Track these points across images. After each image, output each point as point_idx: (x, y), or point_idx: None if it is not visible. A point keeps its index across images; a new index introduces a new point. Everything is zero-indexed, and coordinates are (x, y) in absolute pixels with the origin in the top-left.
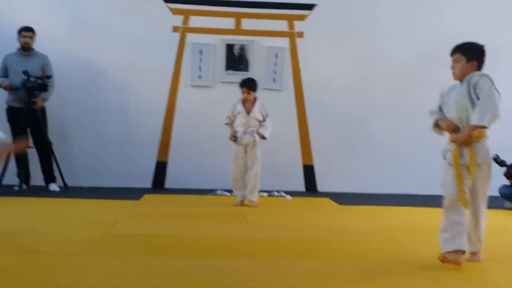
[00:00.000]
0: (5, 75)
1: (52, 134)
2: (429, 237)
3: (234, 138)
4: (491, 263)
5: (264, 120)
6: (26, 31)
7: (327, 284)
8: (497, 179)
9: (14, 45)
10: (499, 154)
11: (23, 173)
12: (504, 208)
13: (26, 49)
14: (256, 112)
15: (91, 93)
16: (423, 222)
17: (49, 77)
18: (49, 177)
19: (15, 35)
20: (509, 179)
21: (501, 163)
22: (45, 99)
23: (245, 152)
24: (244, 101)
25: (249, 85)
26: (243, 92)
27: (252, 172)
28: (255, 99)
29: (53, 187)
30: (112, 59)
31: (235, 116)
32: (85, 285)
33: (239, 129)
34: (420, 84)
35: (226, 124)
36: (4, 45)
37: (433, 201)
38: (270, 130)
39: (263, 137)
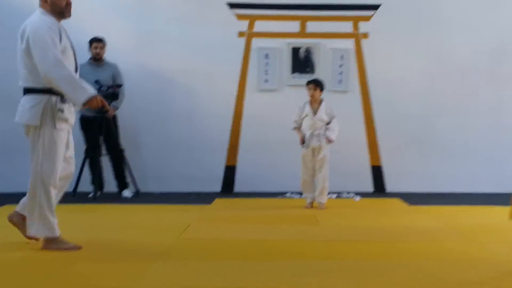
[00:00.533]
0: None
1: (124, 141)
2: (506, 236)
3: (302, 141)
4: None
5: (330, 122)
6: (97, 42)
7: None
8: None
9: (84, 55)
10: None
11: (97, 180)
12: None
13: (97, 59)
14: (323, 113)
15: (160, 101)
16: (497, 220)
17: (119, 85)
18: (122, 184)
19: (85, 46)
20: None
21: None
22: (116, 108)
23: (313, 155)
24: (311, 102)
25: (315, 81)
26: (309, 89)
27: (320, 175)
28: (321, 101)
29: (126, 193)
30: (179, 66)
31: (302, 120)
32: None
33: (306, 132)
34: (490, 81)
35: (294, 128)
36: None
37: (503, 199)
38: (337, 132)
39: (330, 141)
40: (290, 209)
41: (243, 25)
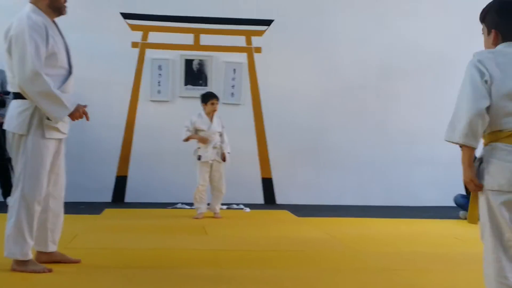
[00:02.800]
0: None
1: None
2: (384, 246)
3: (199, 156)
4: (443, 267)
5: (222, 133)
6: None
7: None
8: (452, 188)
9: None
10: None
11: None
12: (459, 218)
13: None
14: (218, 125)
15: None
16: (379, 231)
17: (7, 93)
18: (7, 191)
19: None
20: None
21: None
22: (3, 115)
23: (211, 166)
24: (209, 115)
25: (216, 96)
26: (211, 104)
27: (219, 184)
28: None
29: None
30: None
31: (196, 130)
32: None
33: (203, 147)
34: (377, 96)
35: (186, 139)
36: None
37: (389, 212)
38: (228, 143)
39: (226, 154)
40: (179, 219)
41: (138, 35)
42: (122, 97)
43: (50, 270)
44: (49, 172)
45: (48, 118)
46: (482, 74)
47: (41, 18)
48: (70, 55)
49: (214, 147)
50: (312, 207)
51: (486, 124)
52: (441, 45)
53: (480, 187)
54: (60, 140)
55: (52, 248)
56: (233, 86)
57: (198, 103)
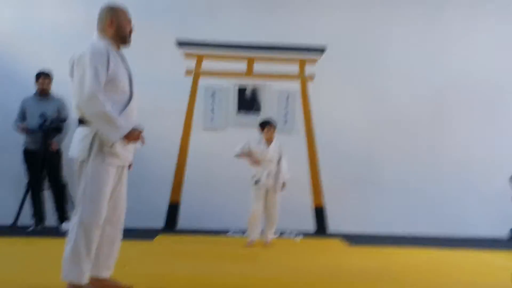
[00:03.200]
0: (23, 119)
1: (69, 175)
2: (436, 278)
3: (256, 181)
4: None
5: (280, 160)
6: (44, 77)
7: None
8: (505, 219)
9: (31, 87)
10: None
11: (38, 213)
12: None
13: (43, 94)
14: (274, 152)
15: None
16: (430, 263)
17: (63, 120)
18: (62, 217)
19: (32, 78)
20: None
21: None
22: (59, 142)
23: (266, 192)
24: (267, 141)
25: (274, 123)
26: (268, 131)
27: (272, 211)
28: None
29: (65, 226)
30: None
31: (249, 152)
32: None
33: (261, 172)
34: (429, 125)
35: (238, 155)
36: (23, 89)
37: (440, 241)
38: (287, 170)
39: (284, 182)
40: (231, 247)
41: (191, 63)
42: (175, 124)
43: None
44: (109, 198)
45: (106, 143)
46: None
47: (104, 45)
48: (133, 83)
49: (269, 174)
50: (364, 236)
51: None
52: (494, 76)
53: None
54: (122, 167)
55: (105, 273)
56: (286, 114)
57: (251, 131)
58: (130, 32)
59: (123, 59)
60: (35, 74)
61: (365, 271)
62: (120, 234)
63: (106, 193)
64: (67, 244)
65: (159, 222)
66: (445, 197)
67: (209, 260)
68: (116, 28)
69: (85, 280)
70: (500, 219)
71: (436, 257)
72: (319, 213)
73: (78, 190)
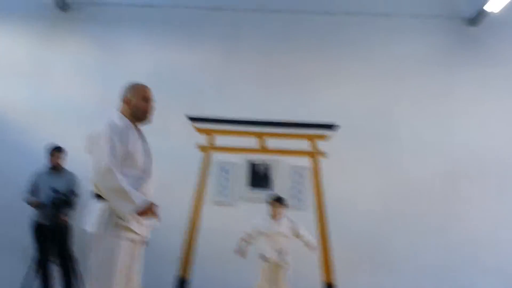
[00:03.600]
0: (34, 192)
1: (79, 249)
2: None
3: (262, 256)
4: None
5: (298, 234)
6: (57, 152)
7: None
8: None
9: (41, 161)
10: None
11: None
12: None
13: (56, 168)
14: (284, 227)
15: None
16: None
17: (74, 193)
18: None
19: (43, 152)
20: None
21: None
22: (69, 216)
23: (274, 269)
24: (274, 218)
25: (280, 200)
26: (274, 206)
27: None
28: (283, 216)
29: None
30: None
31: (259, 234)
32: None
33: (267, 247)
34: (444, 202)
35: (242, 239)
36: (33, 163)
37: None
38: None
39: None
40: None
41: (202, 137)
42: (186, 199)
43: None
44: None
45: (121, 218)
46: None
47: (123, 122)
48: (152, 160)
49: (276, 250)
50: None
51: None
52: (506, 150)
53: None
54: (137, 243)
55: None
56: (297, 190)
57: (262, 206)
58: (149, 110)
59: (141, 136)
60: (46, 148)
61: None
62: None
63: (118, 267)
64: None
65: None
66: (456, 274)
67: None
68: (133, 106)
69: None
70: None
71: None
72: None
73: (90, 266)
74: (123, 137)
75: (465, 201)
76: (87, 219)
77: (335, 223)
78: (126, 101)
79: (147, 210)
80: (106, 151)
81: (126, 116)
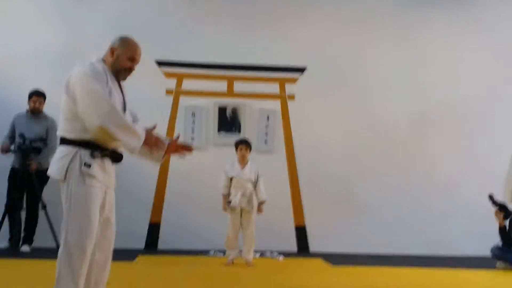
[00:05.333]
0: (11, 137)
1: (51, 196)
2: None
3: (229, 202)
4: None
5: (257, 182)
6: (36, 96)
7: None
8: (490, 239)
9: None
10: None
11: (15, 234)
12: (496, 268)
13: (35, 112)
14: (251, 173)
15: None
16: (416, 282)
17: (43, 140)
18: (28, 238)
19: (25, 98)
20: (505, 218)
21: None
22: (40, 163)
23: (241, 213)
24: (240, 162)
25: (247, 142)
26: (240, 150)
27: (248, 231)
28: (248, 161)
29: (25, 248)
30: None
31: (230, 181)
32: None
33: (235, 192)
34: (412, 144)
35: (223, 195)
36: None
37: (424, 261)
38: (264, 191)
39: (262, 202)
40: (213, 267)
41: (172, 82)
42: None
43: None
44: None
45: (86, 165)
46: None
47: (102, 68)
48: (126, 113)
49: (244, 195)
50: (346, 256)
51: None
52: (475, 97)
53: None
54: (105, 189)
55: None
56: (266, 134)
57: (231, 150)
58: (128, 71)
59: (120, 88)
60: (25, 95)
61: None
62: (110, 260)
63: (92, 215)
64: (57, 273)
65: (140, 243)
66: (426, 216)
67: (190, 281)
68: (115, 59)
69: None
70: (482, 238)
71: (420, 276)
72: (301, 233)
73: (64, 213)
74: (104, 80)
75: (434, 144)
76: (51, 164)
77: (305, 166)
78: (112, 51)
79: (151, 140)
80: (101, 92)
81: (106, 65)
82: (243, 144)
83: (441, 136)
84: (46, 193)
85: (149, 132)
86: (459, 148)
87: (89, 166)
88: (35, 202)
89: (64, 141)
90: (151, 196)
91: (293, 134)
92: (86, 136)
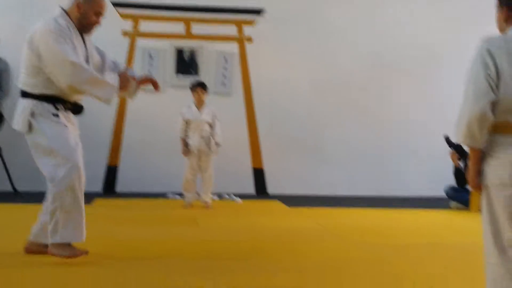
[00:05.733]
0: None
1: (5, 139)
2: (377, 237)
3: (187, 145)
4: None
5: (214, 123)
6: None
7: (272, 281)
8: (443, 179)
9: None
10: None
11: None
12: (450, 208)
13: None
14: (208, 115)
15: None
16: (372, 222)
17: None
18: None
19: None
20: (460, 159)
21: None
22: None
23: (199, 156)
24: (197, 105)
25: (203, 85)
26: (196, 92)
27: (206, 174)
28: (204, 103)
29: None
30: None
31: (187, 124)
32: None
33: (192, 135)
34: (370, 87)
35: (181, 138)
36: None
37: (378, 202)
38: (220, 134)
39: (217, 144)
40: (171, 210)
41: (128, 24)
42: None
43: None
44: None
45: (54, 115)
46: (486, 67)
47: (65, 22)
48: (89, 64)
49: (202, 137)
50: (303, 198)
51: (488, 124)
52: (435, 37)
53: (479, 188)
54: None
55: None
56: (224, 76)
57: (189, 92)
58: (95, 26)
59: (84, 40)
60: None
61: (306, 230)
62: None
63: (72, 139)
64: (52, 208)
65: (97, 186)
66: (384, 158)
67: (148, 223)
68: (82, 14)
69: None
70: (438, 179)
71: (377, 216)
72: (259, 175)
73: (38, 160)
74: (67, 36)
75: (394, 88)
76: (17, 118)
77: (263, 109)
78: (78, 5)
79: (125, 82)
80: (65, 49)
81: (71, 19)
82: (199, 87)
83: (398, 79)
84: (1, 137)
85: (122, 76)
86: (415, 90)
87: (57, 115)
88: None
89: (26, 94)
90: (108, 139)
91: (251, 76)
92: (49, 91)
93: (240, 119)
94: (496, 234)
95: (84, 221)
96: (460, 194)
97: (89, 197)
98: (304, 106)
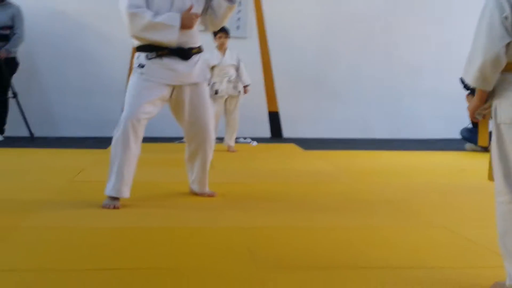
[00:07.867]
0: None
1: (21, 84)
2: (394, 178)
3: (215, 91)
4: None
5: (239, 66)
6: None
7: (284, 221)
8: (458, 121)
9: None
10: None
11: None
12: (465, 150)
13: None
14: (231, 58)
15: (60, 44)
16: (386, 164)
17: (10, 27)
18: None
19: None
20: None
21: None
22: (9, 51)
23: (226, 100)
24: (220, 50)
25: (225, 30)
26: (219, 38)
27: (232, 117)
28: (226, 47)
29: None
30: (86, 8)
31: (212, 70)
32: (52, 228)
33: (219, 80)
34: (383, 28)
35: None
36: None
37: (394, 144)
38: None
39: (246, 86)
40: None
41: None
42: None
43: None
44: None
45: (140, 66)
46: (501, 8)
47: None
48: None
49: (229, 81)
50: (318, 140)
51: (502, 67)
52: None
53: (476, 121)
54: (176, 86)
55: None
56: (239, 19)
57: (205, 37)
58: None
59: None
60: None
61: (320, 173)
62: (207, 151)
63: (146, 97)
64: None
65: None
66: (400, 99)
67: (165, 166)
68: None
69: (126, 194)
70: (453, 121)
71: (391, 159)
72: (274, 118)
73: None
74: None
75: (406, 31)
76: (195, 71)
77: (278, 52)
78: None
79: (189, 20)
80: (124, 6)
81: None
82: (222, 32)
83: (412, 19)
84: (18, 82)
85: (185, 14)
86: (429, 31)
87: (142, 66)
88: (4, 90)
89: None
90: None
91: (265, 19)
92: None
93: (255, 62)
94: (506, 172)
95: None
96: (476, 136)
97: (105, 142)
98: (320, 47)
